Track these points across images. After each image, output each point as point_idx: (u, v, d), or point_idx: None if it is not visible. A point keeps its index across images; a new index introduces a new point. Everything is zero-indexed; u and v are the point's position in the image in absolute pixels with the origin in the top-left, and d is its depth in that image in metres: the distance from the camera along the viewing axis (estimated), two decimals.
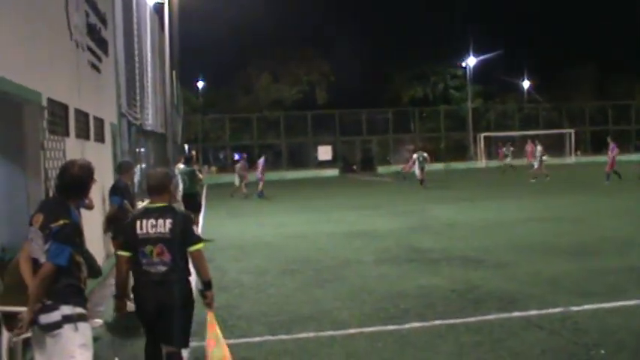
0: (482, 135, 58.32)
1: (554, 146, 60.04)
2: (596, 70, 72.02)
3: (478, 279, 9.63)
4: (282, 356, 6.64)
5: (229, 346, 6.34)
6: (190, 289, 5.38)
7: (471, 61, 63.68)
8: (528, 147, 34.27)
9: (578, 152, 59.76)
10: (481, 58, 63.45)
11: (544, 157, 32.62)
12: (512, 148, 42.86)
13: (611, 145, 28.85)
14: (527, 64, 69.88)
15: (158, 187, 5.43)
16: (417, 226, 16.48)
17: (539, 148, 33.29)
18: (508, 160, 41.90)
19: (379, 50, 70.53)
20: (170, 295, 5.16)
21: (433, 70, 69.72)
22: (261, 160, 29.50)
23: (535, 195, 24.18)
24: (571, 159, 57.67)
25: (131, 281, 5.58)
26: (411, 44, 70.22)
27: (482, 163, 56.22)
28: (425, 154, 33.26)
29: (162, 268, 5.16)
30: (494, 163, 48.07)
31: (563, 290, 8.71)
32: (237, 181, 29.61)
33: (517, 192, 25.97)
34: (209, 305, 5.41)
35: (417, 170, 32.57)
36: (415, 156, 33.19)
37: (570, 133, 60.34)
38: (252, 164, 34.38)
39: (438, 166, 52.69)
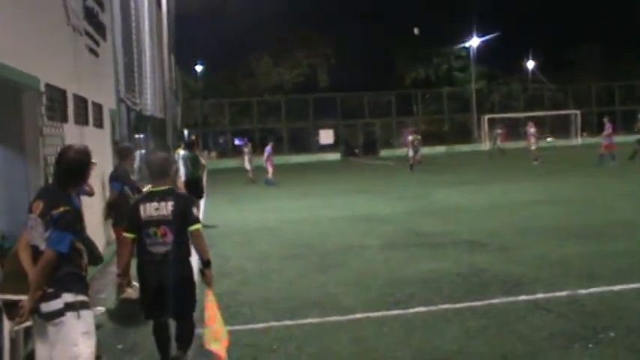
0: (487, 117, 57.96)
1: (560, 128, 59.90)
2: (601, 49, 71.60)
3: (484, 262, 9.54)
4: (287, 342, 6.55)
5: (233, 332, 6.32)
6: (191, 267, 5.72)
7: (474, 42, 63.18)
8: (529, 128, 34.02)
9: (584, 134, 59.34)
10: (485, 38, 62.99)
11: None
12: (499, 131, 42.49)
13: (607, 125, 28.68)
14: (532, 44, 69.41)
15: (159, 172, 5.77)
16: (421, 210, 16.40)
17: (532, 130, 33.09)
18: (498, 143, 41.60)
19: (381, 32, 70.03)
20: (173, 273, 5.49)
21: (436, 52, 69.21)
22: (268, 148, 28.41)
23: (539, 177, 24.08)
24: (577, 140, 57.33)
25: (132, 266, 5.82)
26: (413, 25, 69.62)
27: (486, 145, 55.80)
28: (419, 137, 33.43)
29: (165, 248, 5.49)
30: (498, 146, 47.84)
31: (571, 273, 8.63)
32: (248, 166, 29.49)
33: (520, 174, 25.87)
34: (208, 284, 5.66)
35: (410, 152, 32.68)
36: (410, 138, 33.29)
37: (576, 115, 60.00)
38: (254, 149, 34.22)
39: (441, 149, 52.59)
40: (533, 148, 32.27)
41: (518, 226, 12.82)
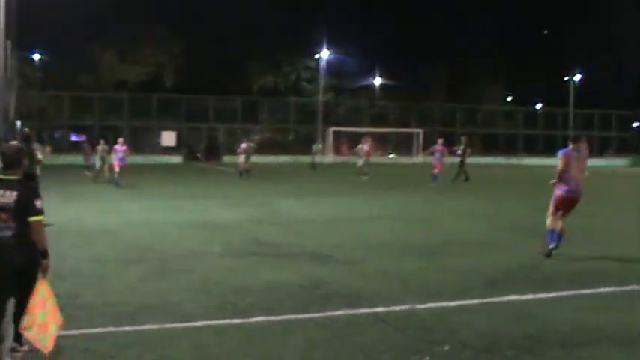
0: (332, 130, 59.04)
1: (403, 145, 62.19)
2: (449, 72, 75.33)
3: (326, 275, 9.66)
4: (126, 348, 6.33)
5: (69, 337, 6.06)
6: (36, 253, 5.79)
7: (324, 54, 64.27)
8: (363, 145, 34.80)
9: (427, 152, 61.69)
10: (336, 51, 64.25)
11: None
12: (320, 146, 43.29)
13: (437, 146, 30.03)
14: (382, 61, 71.73)
15: (12, 162, 6.00)
16: (264, 219, 16.43)
17: (364, 147, 33.96)
18: (316, 158, 42.19)
19: (231, 35, 69.69)
20: (19, 256, 5.69)
21: (286, 61, 69.75)
22: (120, 147, 26.94)
23: (380, 192, 24.88)
24: (418, 159, 59.60)
25: None
26: (264, 31, 69.87)
27: (330, 158, 56.80)
28: (252, 145, 34.02)
29: (11, 232, 5.69)
30: (342, 159, 48.82)
31: (410, 288, 8.90)
32: (99, 164, 28.31)
33: (362, 189, 26.59)
34: (44, 272, 5.83)
35: (241, 159, 33.01)
36: (244, 146, 33.58)
37: (419, 133, 62.43)
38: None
39: (285, 158, 53.03)
40: (360, 164, 33.12)
41: (361, 241, 13.09)
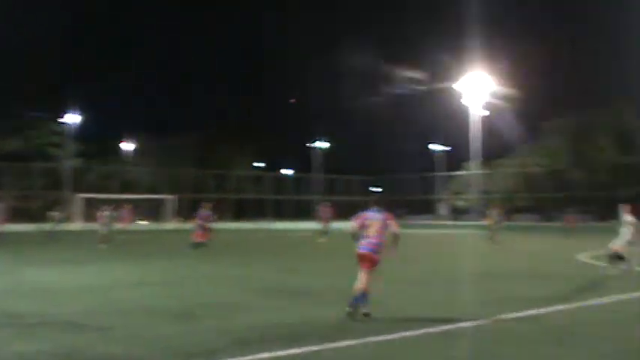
0: (81, 196, 57.46)
1: (155, 211, 61.83)
2: (198, 138, 76.58)
3: (80, 343, 9.53)
4: None
5: None
6: None
7: (73, 118, 62.72)
8: (124, 212, 34.47)
9: (179, 218, 61.52)
10: (84, 116, 62.98)
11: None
12: (57, 213, 42.04)
13: (201, 213, 30.42)
14: (133, 127, 71.50)
15: None
16: (9, 289, 15.74)
17: (106, 213, 33.69)
18: (55, 226, 40.99)
19: None
20: None
21: (30, 124, 66.76)
22: None
23: (133, 259, 24.76)
24: (170, 225, 59.40)
25: None
26: (7, 92, 66.56)
27: (79, 225, 55.22)
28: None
29: None
30: (93, 226, 47.47)
31: (166, 351, 9.04)
32: None
33: (115, 255, 26.25)
34: None
35: None
36: None
37: (171, 199, 62.44)
38: None
39: (30, 226, 50.53)
40: (103, 231, 32.65)
41: (115, 307, 13.01)
